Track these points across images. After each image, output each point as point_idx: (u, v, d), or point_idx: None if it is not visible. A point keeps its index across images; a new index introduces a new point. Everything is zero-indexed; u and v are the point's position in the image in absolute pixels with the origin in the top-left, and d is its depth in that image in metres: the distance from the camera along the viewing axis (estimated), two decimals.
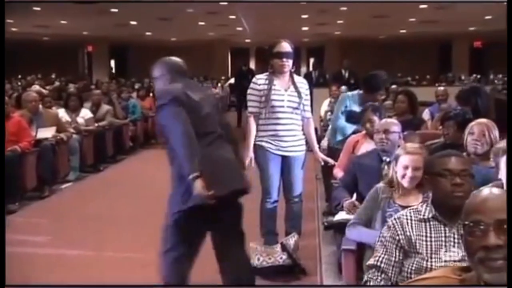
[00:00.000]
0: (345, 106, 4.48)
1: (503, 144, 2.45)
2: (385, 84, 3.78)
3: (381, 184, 2.62)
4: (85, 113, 7.12)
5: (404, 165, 2.47)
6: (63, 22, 16.89)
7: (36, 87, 10.60)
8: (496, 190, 1.30)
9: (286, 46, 3.58)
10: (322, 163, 3.87)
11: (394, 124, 3.26)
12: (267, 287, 3.25)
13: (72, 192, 6.04)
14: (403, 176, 2.47)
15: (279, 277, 3.35)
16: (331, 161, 3.82)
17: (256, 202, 3.70)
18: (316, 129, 4.43)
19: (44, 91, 9.96)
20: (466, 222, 1.24)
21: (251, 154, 3.57)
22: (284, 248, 3.41)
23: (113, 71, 23.25)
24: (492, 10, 14.13)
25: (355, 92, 4.59)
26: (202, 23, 17.47)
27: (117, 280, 3.40)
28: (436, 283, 1.27)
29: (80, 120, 6.97)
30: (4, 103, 5.46)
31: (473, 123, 3.03)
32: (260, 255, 3.40)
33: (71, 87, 11.02)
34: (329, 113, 7.20)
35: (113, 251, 3.97)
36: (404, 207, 2.29)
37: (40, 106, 6.39)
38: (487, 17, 15.96)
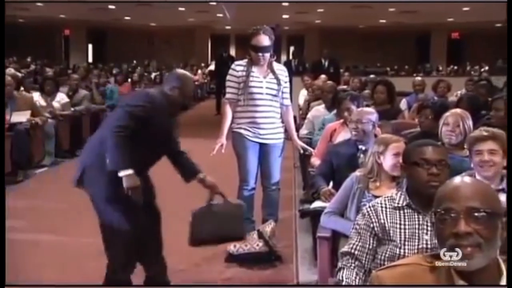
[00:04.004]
0: (322, 124, 4.53)
1: (476, 133, 2.50)
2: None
3: (356, 174, 2.63)
4: (61, 98, 7.01)
5: (396, 152, 2.46)
6: (39, 4, 16.52)
7: (10, 70, 10.36)
8: (468, 179, 1.32)
9: (263, 40, 3.51)
10: (302, 151, 3.87)
11: (367, 114, 3.27)
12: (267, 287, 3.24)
13: (47, 177, 5.95)
14: (396, 165, 2.43)
15: (255, 264, 3.36)
16: (310, 149, 3.83)
17: (234, 189, 3.70)
18: (294, 117, 4.43)
19: (19, 74, 9.77)
20: (438, 210, 1.26)
21: (223, 140, 3.54)
22: (260, 235, 3.42)
23: (91, 55, 22.86)
24: (470, 2, 14.26)
25: (331, 114, 4.63)
26: (182, 9, 17.28)
27: (92, 266, 3.37)
28: (407, 270, 1.29)
29: (55, 104, 6.86)
30: (4, 99, 5.34)
31: (447, 113, 3.08)
32: (237, 242, 3.40)
33: (48, 71, 10.84)
34: (307, 102, 7.22)
35: (88, 237, 3.92)
36: (378, 197, 2.31)
37: (16, 90, 6.26)
38: (465, 9, 16.12)
